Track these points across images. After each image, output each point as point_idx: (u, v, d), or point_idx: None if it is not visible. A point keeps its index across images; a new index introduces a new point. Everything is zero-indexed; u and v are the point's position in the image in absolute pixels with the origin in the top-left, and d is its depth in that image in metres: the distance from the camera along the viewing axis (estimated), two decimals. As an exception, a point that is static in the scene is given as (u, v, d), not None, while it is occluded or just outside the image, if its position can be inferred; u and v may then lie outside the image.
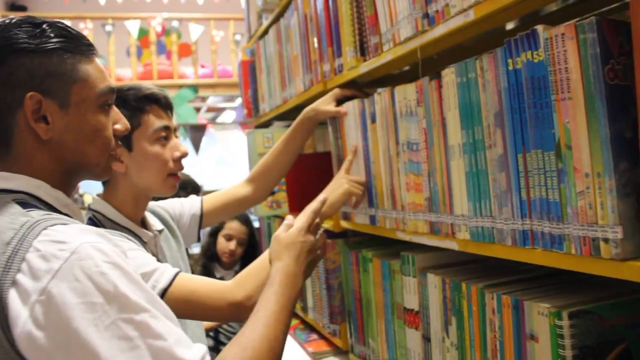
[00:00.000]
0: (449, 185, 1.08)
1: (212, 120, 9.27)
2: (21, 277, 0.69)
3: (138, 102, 1.26)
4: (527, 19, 1.11)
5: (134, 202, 1.29)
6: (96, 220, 1.25)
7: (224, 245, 2.88)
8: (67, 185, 0.87)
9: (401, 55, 1.25)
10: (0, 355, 0.68)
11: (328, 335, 1.85)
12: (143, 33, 6.83)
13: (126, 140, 1.25)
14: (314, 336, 1.98)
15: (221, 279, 2.80)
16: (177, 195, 1.61)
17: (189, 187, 2.58)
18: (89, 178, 0.92)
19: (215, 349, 2.55)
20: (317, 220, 1.20)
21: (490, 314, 0.99)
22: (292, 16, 1.94)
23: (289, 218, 1.19)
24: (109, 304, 0.69)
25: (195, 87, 6.86)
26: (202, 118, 8.32)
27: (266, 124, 2.54)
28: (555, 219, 0.83)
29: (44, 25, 0.83)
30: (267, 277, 1.14)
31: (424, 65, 1.21)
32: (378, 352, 1.47)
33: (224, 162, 9.48)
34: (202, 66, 7.12)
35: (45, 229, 0.72)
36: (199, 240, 1.63)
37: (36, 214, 0.76)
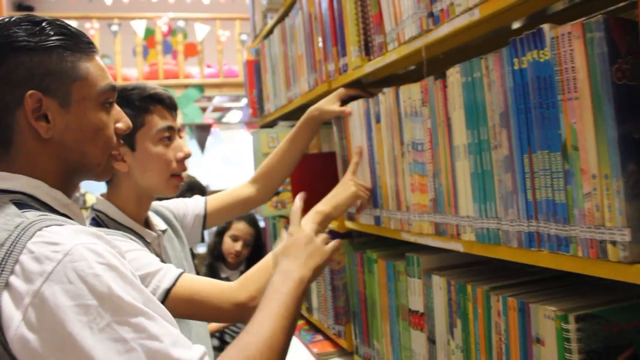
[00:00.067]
0: (454, 186, 1.07)
1: (218, 120, 9.28)
2: (14, 280, 0.68)
3: (142, 102, 1.26)
4: (533, 18, 1.10)
5: (137, 202, 1.29)
6: (99, 220, 1.25)
7: (230, 245, 2.88)
8: (67, 185, 0.87)
9: (406, 55, 1.23)
10: None
11: (333, 336, 1.84)
12: (149, 33, 6.84)
13: (129, 140, 1.25)
14: (319, 337, 1.98)
15: (226, 279, 2.83)
16: (182, 197, 1.61)
17: (195, 189, 2.58)
18: (89, 178, 0.91)
19: (220, 349, 2.55)
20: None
21: (495, 317, 0.97)
22: (297, 15, 1.93)
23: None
24: (103, 306, 0.68)
25: (201, 87, 6.86)
26: (208, 118, 8.32)
27: (271, 124, 2.53)
28: (561, 221, 0.81)
29: (44, 24, 0.82)
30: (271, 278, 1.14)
31: (430, 65, 1.20)
32: (383, 354, 1.46)
33: (230, 162, 9.50)
34: (208, 66, 7.12)
35: (39, 230, 0.72)
36: (202, 240, 1.62)
37: (31, 215, 0.75)
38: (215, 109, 8.68)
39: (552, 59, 0.80)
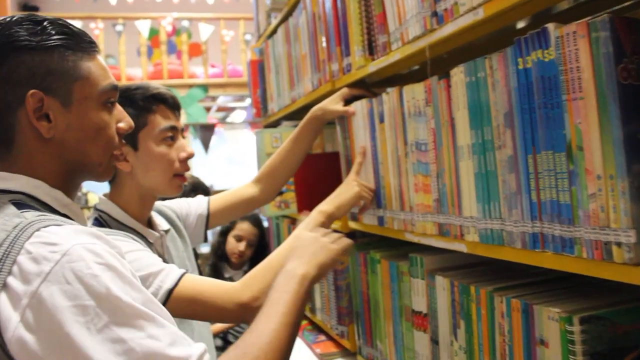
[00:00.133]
0: (458, 186, 1.06)
1: (223, 120, 9.29)
2: (12, 280, 0.68)
3: (145, 102, 1.26)
4: (538, 17, 1.09)
5: (140, 202, 1.29)
6: (102, 220, 1.25)
7: (234, 245, 2.88)
8: (68, 185, 0.86)
9: (410, 55, 1.23)
10: None
11: (336, 337, 1.84)
12: (153, 33, 6.85)
13: (132, 139, 1.25)
14: (322, 337, 1.98)
15: (230, 278, 2.83)
16: (186, 197, 1.61)
17: (199, 190, 2.58)
18: (91, 178, 0.91)
19: (223, 349, 2.55)
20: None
21: (499, 318, 0.97)
22: (301, 15, 1.93)
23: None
24: (101, 306, 0.68)
25: (205, 87, 6.87)
26: (212, 117, 8.34)
27: (275, 124, 2.53)
28: (566, 222, 0.81)
29: (45, 23, 0.82)
30: (274, 278, 1.13)
31: (434, 65, 1.19)
32: (386, 355, 1.45)
33: (234, 162, 9.51)
34: (212, 66, 7.13)
35: (37, 230, 0.71)
36: (205, 240, 1.62)
37: (30, 215, 0.75)
38: (220, 109, 8.69)
39: (556, 59, 0.79)
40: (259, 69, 2.63)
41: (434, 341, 1.20)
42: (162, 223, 1.39)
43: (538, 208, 0.86)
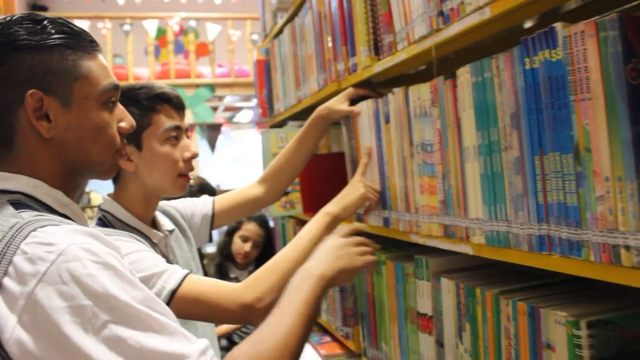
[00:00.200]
0: (464, 187, 1.05)
1: (229, 120, 9.30)
2: (8, 282, 0.68)
3: (149, 101, 1.25)
4: (545, 17, 1.08)
5: (144, 202, 1.29)
6: (106, 220, 1.25)
7: (240, 246, 2.87)
8: (69, 184, 0.86)
9: (416, 54, 1.22)
10: None
11: (341, 338, 1.83)
12: (161, 32, 6.86)
13: (136, 139, 1.24)
14: (327, 338, 1.97)
15: (235, 279, 2.82)
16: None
17: (206, 191, 2.58)
18: (93, 177, 0.90)
19: (228, 350, 2.55)
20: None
21: (505, 321, 0.96)
22: (307, 15, 1.92)
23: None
24: (98, 306, 0.67)
25: (212, 87, 6.88)
26: (219, 117, 8.35)
27: (281, 124, 2.52)
28: (573, 225, 0.79)
29: (45, 22, 0.82)
30: (279, 279, 1.13)
31: (440, 65, 1.18)
32: (391, 356, 1.44)
33: (240, 162, 9.53)
34: (220, 65, 7.14)
35: (34, 230, 0.71)
36: (210, 240, 1.61)
37: (27, 215, 0.74)
38: (227, 109, 8.70)
39: (564, 59, 0.78)
40: (265, 68, 2.62)
41: (439, 344, 1.18)
42: (166, 223, 1.38)
43: (545, 210, 0.85)
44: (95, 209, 1.29)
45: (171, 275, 1.10)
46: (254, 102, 7.66)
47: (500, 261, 0.98)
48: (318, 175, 1.89)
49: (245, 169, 8.93)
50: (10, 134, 0.81)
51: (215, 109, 8.06)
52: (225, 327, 2.61)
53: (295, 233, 2.15)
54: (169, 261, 1.26)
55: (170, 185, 1.28)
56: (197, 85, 6.81)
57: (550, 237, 0.85)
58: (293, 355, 0.81)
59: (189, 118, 6.50)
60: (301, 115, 2.18)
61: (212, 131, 6.33)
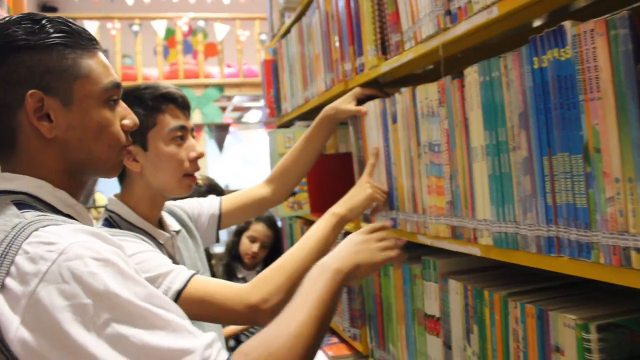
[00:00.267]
0: (472, 188, 1.04)
1: (238, 120, 9.31)
2: (10, 281, 0.68)
3: (154, 101, 1.25)
4: (554, 15, 1.07)
5: (150, 203, 1.28)
6: (112, 221, 1.25)
7: (247, 246, 2.87)
8: (73, 184, 0.86)
9: (423, 54, 1.21)
10: None
11: (348, 339, 1.82)
12: (170, 33, 6.89)
13: (142, 139, 1.24)
14: (334, 339, 1.96)
15: (243, 279, 2.82)
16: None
17: (215, 192, 2.58)
18: (98, 175, 0.90)
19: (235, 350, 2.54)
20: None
21: (513, 324, 0.94)
22: (314, 14, 1.91)
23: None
24: (99, 304, 0.67)
25: (221, 87, 6.89)
26: (227, 117, 8.36)
27: (288, 124, 2.52)
28: (582, 226, 0.78)
29: (44, 21, 0.81)
30: (285, 280, 1.12)
31: (448, 65, 1.17)
32: (398, 358, 1.43)
33: (248, 162, 9.54)
34: (228, 65, 7.15)
35: (36, 230, 0.71)
36: (217, 240, 1.61)
37: (30, 215, 0.74)
38: (235, 109, 8.71)
39: (573, 58, 0.77)
40: (272, 68, 2.62)
41: (447, 346, 1.17)
42: (173, 224, 1.38)
43: (553, 211, 0.84)
44: (100, 210, 1.29)
45: (177, 276, 1.10)
46: (262, 102, 7.68)
47: (509, 263, 0.97)
48: (325, 175, 1.88)
49: (253, 169, 8.94)
50: (12, 134, 0.81)
51: (223, 109, 8.08)
52: (232, 328, 2.60)
53: (302, 233, 2.14)
54: (175, 262, 1.26)
55: (176, 185, 1.28)
56: (206, 86, 6.82)
57: (559, 239, 0.83)
58: (307, 349, 0.78)
59: (197, 118, 6.53)
60: (309, 115, 2.17)
61: (220, 131, 6.34)
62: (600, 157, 0.74)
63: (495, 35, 1.11)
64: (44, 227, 0.72)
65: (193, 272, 1.13)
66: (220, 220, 1.56)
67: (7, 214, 0.75)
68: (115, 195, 1.30)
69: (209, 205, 1.56)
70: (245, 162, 9.63)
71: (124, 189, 1.29)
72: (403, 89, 1.28)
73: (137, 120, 0.93)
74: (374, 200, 1.39)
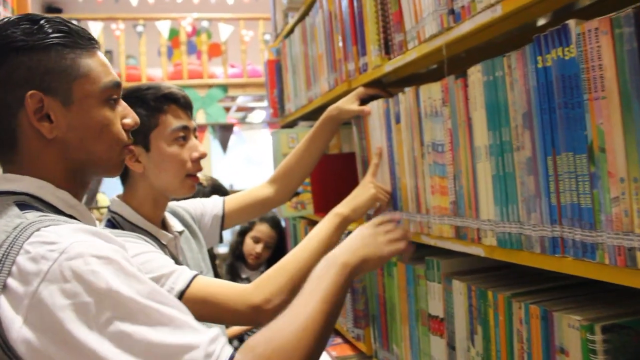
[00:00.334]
0: (475, 188, 1.04)
1: (242, 120, 9.31)
2: (11, 282, 0.68)
3: (156, 102, 1.25)
4: (558, 14, 1.06)
5: (153, 203, 1.28)
6: (115, 222, 1.24)
7: (251, 247, 2.87)
8: (75, 184, 0.86)
9: (426, 53, 1.20)
10: None
11: (352, 340, 1.82)
12: (174, 33, 6.90)
13: (144, 140, 1.24)
14: (338, 340, 1.96)
15: (247, 279, 2.82)
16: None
17: (219, 193, 2.58)
18: (101, 175, 0.90)
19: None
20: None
21: (517, 324, 0.94)
22: (317, 14, 1.91)
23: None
24: (101, 302, 0.67)
25: (225, 87, 6.90)
26: (231, 117, 8.36)
27: (292, 124, 2.51)
28: (587, 226, 0.78)
29: (42, 22, 0.81)
30: (288, 280, 1.12)
31: (452, 64, 1.17)
32: (402, 359, 1.43)
33: (252, 162, 9.55)
34: (232, 66, 7.15)
35: (37, 230, 0.71)
36: (221, 241, 1.61)
37: (31, 216, 0.74)
38: (239, 109, 8.71)
39: (577, 57, 0.76)
40: (276, 68, 2.61)
41: (451, 346, 1.17)
42: (176, 224, 1.38)
43: (558, 211, 0.83)
44: (103, 211, 1.29)
45: (179, 276, 1.10)
46: (266, 102, 7.69)
47: (513, 263, 0.97)
48: (329, 175, 1.88)
49: (257, 169, 8.95)
50: (13, 136, 0.81)
51: (227, 109, 8.08)
52: (236, 329, 2.60)
53: (306, 233, 2.14)
54: (178, 262, 1.26)
55: (178, 186, 1.28)
56: (210, 86, 6.83)
57: (564, 239, 0.83)
58: (314, 343, 0.77)
59: (201, 118, 6.53)
60: (312, 115, 2.17)
61: (224, 131, 6.34)
62: (605, 156, 0.73)
63: (499, 35, 1.11)
64: (45, 227, 0.72)
65: (195, 272, 1.13)
66: (224, 221, 1.56)
67: (8, 214, 0.75)
68: (118, 196, 1.30)
69: (212, 205, 1.56)
70: (249, 162, 9.63)
71: (126, 189, 1.29)
72: (406, 89, 1.28)
73: (137, 119, 0.93)
74: (378, 200, 1.39)
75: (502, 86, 0.93)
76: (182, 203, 1.51)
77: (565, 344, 0.82)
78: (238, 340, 2.65)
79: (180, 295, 1.08)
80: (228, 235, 4.10)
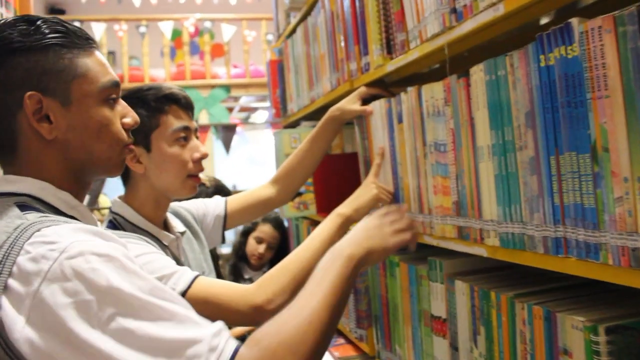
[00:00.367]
0: (478, 188, 1.03)
1: (245, 120, 9.32)
2: (12, 282, 0.68)
3: (157, 102, 1.25)
4: (561, 12, 1.05)
5: (154, 204, 1.28)
6: (116, 223, 1.24)
7: (254, 247, 2.86)
8: (76, 185, 0.86)
9: (428, 53, 1.20)
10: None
11: (355, 340, 1.82)
12: (176, 34, 6.90)
13: (145, 141, 1.24)
14: (341, 340, 1.95)
15: (249, 279, 2.81)
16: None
17: (222, 193, 2.57)
18: (101, 175, 0.90)
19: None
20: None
21: (520, 325, 0.93)
22: (319, 14, 1.91)
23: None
24: (102, 299, 0.67)
25: (227, 87, 6.90)
26: (234, 118, 8.37)
27: (294, 124, 2.51)
28: (590, 227, 0.77)
29: (39, 22, 0.81)
30: (290, 281, 1.11)
31: (454, 63, 1.16)
32: (405, 359, 1.42)
33: (255, 162, 9.55)
34: (235, 66, 7.16)
35: (38, 230, 0.71)
36: (223, 241, 1.61)
37: (32, 217, 0.74)
38: (242, 109, 8.72)
39: (581, 55, 0.76)
40: (278, 69, 2.61)
41: (454, 347, 1.16)
42: (177, 225, 1.38)
43: (561, 212, 0.83)
44: (104, 212, 1.29)
45: (181, 277, 1.10)
46: (269, 102, 7.69)
47: (515, 263, 0.96)
48: (331, 175, 1.88)
49: (260, 170, 8.96)
50: (13, 137, 0.81)
51: (230, 109, 8.09)
52: (239, 330, 2.60)
53: (309, 234, 2.13)
54: (180, 263, 1.26)
55: (179, 187, 1.27)
56: (213, 86, 6.84)
57: (567, 240, 0.82)
58: (320, 335, 0.77)
59: (204, 119, 6.53)
60: (314, 115, 2.17)
61: (227, 132, 6.34)
62: (608, 156, 0.73)
63: (502, 34, 1.10)
64: (46, 227, 0.72)
65: (197, 273, 1.13)
66: (226, 221, 1.56)
67: (9, 215, 0.75)
68: (120, 197, 1.29)
69: (214, 206, 1.56)
70: (252, 162, 9.64)
71: (128, 190, 1.29)
72: (409, 89, 1.27)
73: (137, 118, 0.92)
74: (380, 200, 1.38)
75: (504, 85, 0.93)
76: (184, 203, 1.51)
77: (569, 345, 0.82)
78: (241, 341, 2.64)
79: (182, 296, 1.08)
80: (231, 235, 4.10)
